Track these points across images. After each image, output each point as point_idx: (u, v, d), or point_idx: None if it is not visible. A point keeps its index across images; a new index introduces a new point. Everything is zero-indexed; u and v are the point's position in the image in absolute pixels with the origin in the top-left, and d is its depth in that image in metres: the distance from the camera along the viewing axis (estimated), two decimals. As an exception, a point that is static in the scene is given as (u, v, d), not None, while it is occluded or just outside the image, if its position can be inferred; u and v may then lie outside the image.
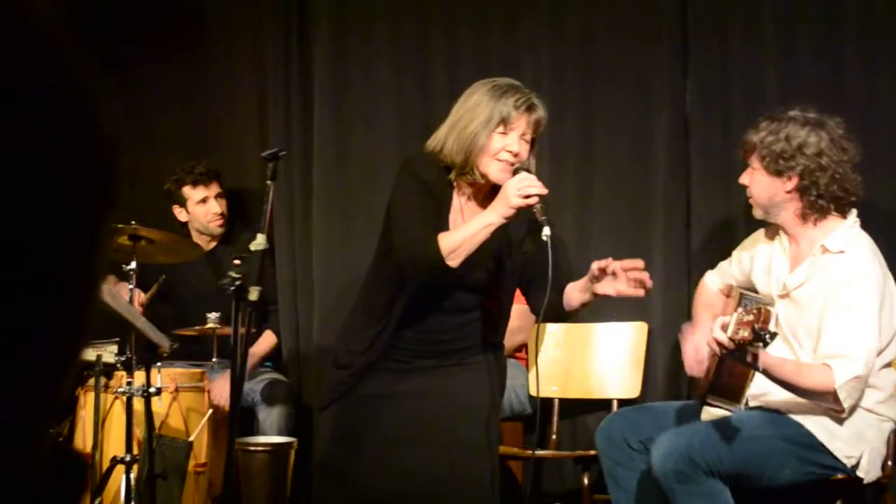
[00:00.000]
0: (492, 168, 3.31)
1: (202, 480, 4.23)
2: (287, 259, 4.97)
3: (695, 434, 3.60)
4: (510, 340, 4.18)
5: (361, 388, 3.43)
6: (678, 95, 4.66)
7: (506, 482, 4.27)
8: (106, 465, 3.95)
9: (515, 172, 3.25)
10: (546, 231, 3.18)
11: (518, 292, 3.56)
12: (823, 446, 3.61)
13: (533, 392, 4.59)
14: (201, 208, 4.90)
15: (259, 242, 3.28)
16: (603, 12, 4.75)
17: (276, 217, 4.88)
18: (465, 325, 3.45)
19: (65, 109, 0.65)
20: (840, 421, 3.61)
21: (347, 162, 4.94)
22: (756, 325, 3.15)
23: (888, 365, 3.69)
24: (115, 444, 4.03)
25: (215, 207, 4.91)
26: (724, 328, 3.29)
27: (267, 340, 4.84)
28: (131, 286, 4.15)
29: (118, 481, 3.94)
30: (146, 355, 3.87)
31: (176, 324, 4.40)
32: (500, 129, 3.29)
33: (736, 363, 3.37)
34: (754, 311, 3.22)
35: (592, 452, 4.06)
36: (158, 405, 4.08)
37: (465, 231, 3.24)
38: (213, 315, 4.26)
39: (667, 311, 4.58)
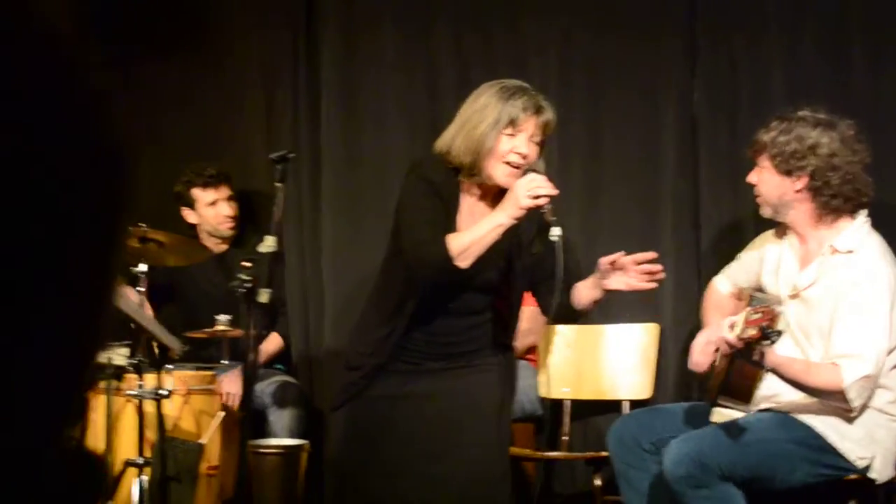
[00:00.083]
0: (498, 171, 3.31)
1: (214, 483, 4.23)
2: (297, 261, 4.97)
3: (705, 438, 3.59)
4: (521, 342, 4.18)
5: (372, 390, 3.43)
6: (686, 96, 4.66)
7: (518, 483, 4.27)
8: (117, 468, 3.95)
9: (525, 173, 3.25)
10: (555, 232, 3.18)
11: (528, 294, 3.56)
12: (834, 448, 3.60)
13: (543, 394, 4.59)
14: (211, 211, 4.90)
15: (268, 244, 3.28)
16: (610, 13, 4.75)
17: (285, 219, 4.87)
18: (475, 327, 3.45)
19: (68, 109, 0.65)
20: (851, 422, 3.61)
21: (356, 163, 4.94)
22: (763, 324, 3.16)
23: (899, 364, 3.69)
24: (125, 447, 4.03)
25: (226, 210, 4.91)
26: (733, 327, 3.29)
27: (273, 343, 4.83)
28: (140, 289, 4.15)
29: (130, 484, 3.95)
30: (157, 358, 3.88)
31: (185, 326, 4.40)
32: (509, 130, 3.29)
33: (745, 363, 3.37)
34: (762, 311, 3.22)
35: (604, 454, 4.05)
36: (169, 408, 4.09)
37: (474, 232, 3.24)
38: (222, 317, 4.26)
39: (677, 312, 4.57)
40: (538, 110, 3.31)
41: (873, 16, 4.47)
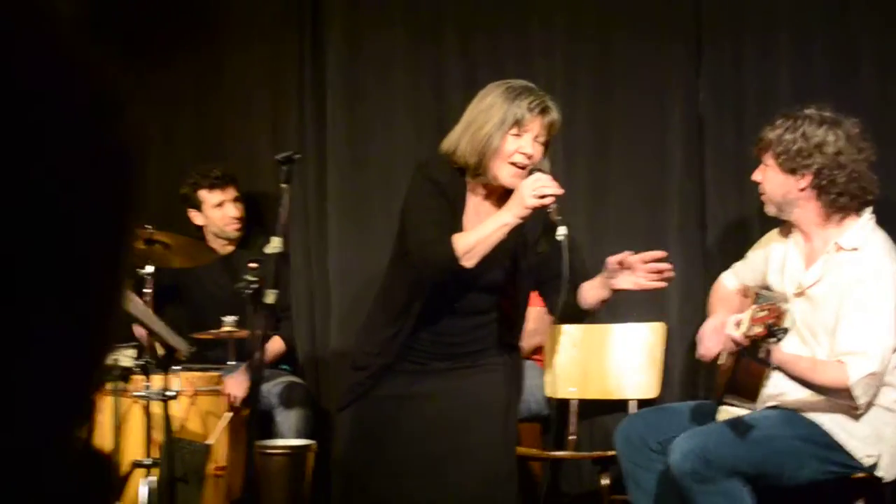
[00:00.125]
0: (503, 172, 3.31)
1: (221, 483, 4.24)
2: (303, 262, 4.97)
3: (711, 434, 3.59)
4: (527, 343, 4.18)
5: (379, 390, 3.43)
6: (692, 95, 4.65)
7: (525, 483, 4.27)
8: (125, 469, 3.96)
9: (530, 173, 3.25)
10: (561, 231, 3.18)
11: (534, 294, 3.56)
12: (841, 446, 3.60)
13: (550, 393, 4.59)
14: (218, 212, 4.90)
15: (274, 245, 3.29)
16: (616, 13, 4.75)
17: (292, 220, 4.87)
18: (481, 327, 3.45)
19: (69, 110, 0.64)
20: (858, 420, 3.61)
21: (362, 164, 4.94)
22: (769, 322, 3.16)
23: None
24: (133, 448, 4.04)
25: (232, 211, 4.91)
26: (738, 325, 3.28)
27: (274, 346, 4.81)
28: (146, 290, 4.16)
29: (137, 485, 3.95)
30: (164, 359, 3.89)
31: (192, 328, 4.41)
32: (514, 130, 3.29)
33: (751, 361, 3.37)
34: (768, 308, 3.22)
35: (611, 453, 4.05)
36: (176, 409, 4.09)
37: (480, 231, 3.24)
38: (229, 319, 4.27)
39: (683, 311, 4.57)
40: (544, 111, 3.31)
41: (878, 15, 4.46)
